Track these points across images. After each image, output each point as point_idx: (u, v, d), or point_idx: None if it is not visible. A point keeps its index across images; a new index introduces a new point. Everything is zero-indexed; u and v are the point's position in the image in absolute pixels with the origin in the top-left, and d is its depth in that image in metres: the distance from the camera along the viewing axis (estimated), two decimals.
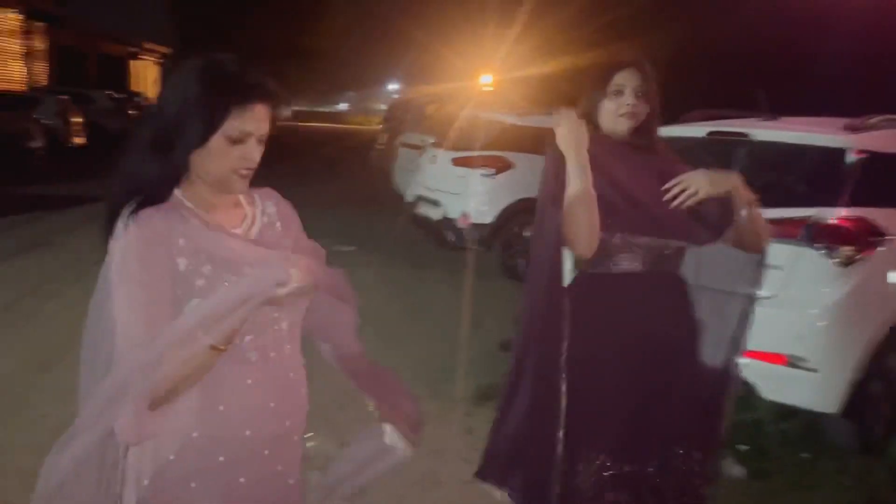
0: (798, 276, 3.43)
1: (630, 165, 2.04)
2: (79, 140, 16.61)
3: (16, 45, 22.07)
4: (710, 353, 2.13)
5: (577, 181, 1.93)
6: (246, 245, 1.43)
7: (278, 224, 1.55)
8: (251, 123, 1.36)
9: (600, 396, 2.04)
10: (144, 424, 1.27)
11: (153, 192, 1.38)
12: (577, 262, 2.08)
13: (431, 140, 8.08)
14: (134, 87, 29.43)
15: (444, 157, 7.29)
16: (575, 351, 2.06)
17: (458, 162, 7.09)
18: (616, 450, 2.03)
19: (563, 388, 1.98)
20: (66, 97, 17.11)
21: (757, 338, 3.44)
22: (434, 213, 7.39)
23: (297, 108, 57.94)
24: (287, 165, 16.65)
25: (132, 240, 1.32)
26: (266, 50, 47.28)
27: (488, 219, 6.98)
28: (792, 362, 3.37)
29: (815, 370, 3.35)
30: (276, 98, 1.42)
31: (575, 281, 2.10)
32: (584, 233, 1.92)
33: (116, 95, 20.83)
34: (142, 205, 1.35)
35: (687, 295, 2.13)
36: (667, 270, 2.08)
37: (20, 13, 21.90)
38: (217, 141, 1.35)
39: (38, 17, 22.77)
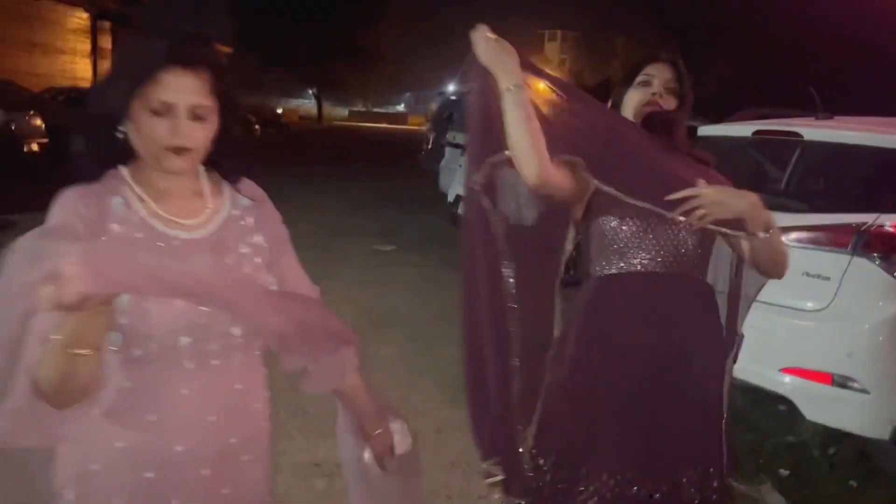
0: (849, 288, 3.15)
1: (639, 139, 1.89)
2: None
3: (84, 43, 22.81)
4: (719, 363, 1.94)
5: (508, 92, 1.75)
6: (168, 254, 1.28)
7: (250, 220, 1.41)
8: (171, 93, 1.22)
9: (606, 409, 1.86)
10: (24, 425, 1.14)
11: (86, 171, 1.28)
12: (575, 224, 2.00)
13: (464, 138, 7.90)
14: None
15: None
16: (580, 355, 1.90)
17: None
18: (623, 469, 1.83)
19: (547, 382, 1.92)
20: None
21: (801, 354, 3.21)
22: None
23: (355, 108, 58.76)
24: (335, 166, 16.94)
25: (57, 205, 1.24)
26: (326, 51, 48.20)
27: None
28: (839, 382, 3.10)
29: (865, 391, 3.07)
30: (200, 61, 1.26)
31: (588, 282, 1.96)
32: (528, 152, 1.75)
33: None
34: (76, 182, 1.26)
35: (710, 302, 1.94)
36: (689, 274, 1.89)
37: (89, 12, 22.64)
38: (139, 113, 1.23)
39: (106, 16, 23.50)
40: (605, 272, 1.91)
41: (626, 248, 1.87)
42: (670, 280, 1.87)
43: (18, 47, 18.95)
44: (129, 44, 1.29)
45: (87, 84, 21.00)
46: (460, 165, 7.88)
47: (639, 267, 1.86)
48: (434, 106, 16.17)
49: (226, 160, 1.40)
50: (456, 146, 8.83)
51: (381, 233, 8.66)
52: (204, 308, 1.25)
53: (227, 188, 1.43)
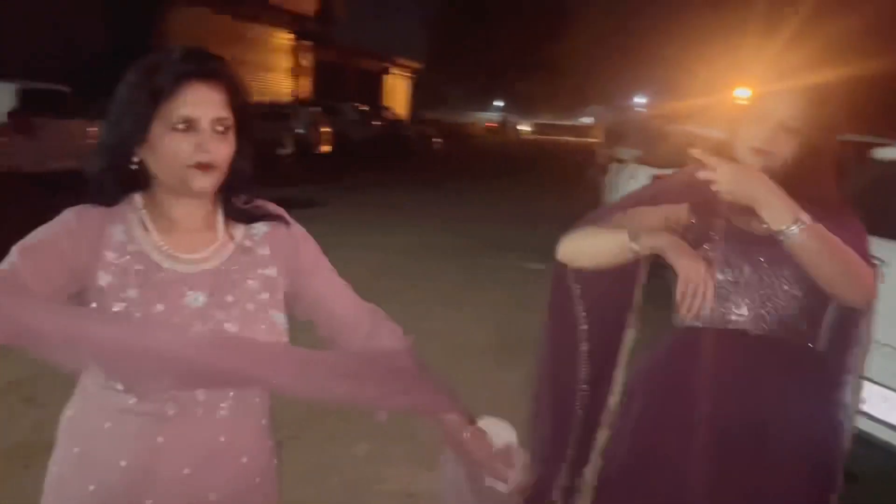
0: None
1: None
2: (325, 148, 18.12)
3: (286, 61, 24.75)
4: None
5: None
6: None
7: (264, 250, 1.32)
8: (193, 107, 1.18)
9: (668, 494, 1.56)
10: None
11: (101, 194, 1.24)
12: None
13: (637, 154, 7.51)
14: (387, 101, 31.57)
15: (643, 173, 6.71)
16: (641, 431, 1.64)
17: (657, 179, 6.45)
18: None
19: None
20: (317, 109, 18.81)
21: None
22: None
23: (539, 121, 58.82)
24: (504, 178, 16.94)
25: (56, 219, 1.22)
26: (513, 64, 48.85)
27: None
28: None
29: None
30: (217, 76, 1.21)
31: (671, 335, 1.68)
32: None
33: (362, 108, 22.44)
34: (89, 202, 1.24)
35: (815, 374, 1.57)
36: (789, 338, 1.54)
37: (292, 33, 24.54)
38: (160, 133, 1.19)
39: (307, 36, 25.34)
40: (683, 324, 1.61)
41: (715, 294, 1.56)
42: (764, 343, 1.53)
43: None
44: (142, 64, 1.23)
45: (287, 99, 22.75)
46: (631, 179, 7.48)
47: (726, 323, 1.55)
48: (608, 119, 15.69)
49: (239, 182, 1.31)
50: (620, 161, 8.43)
51: (533, 250, 8.43)
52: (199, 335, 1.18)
53: (241, 217, 1.33)
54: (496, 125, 49.23)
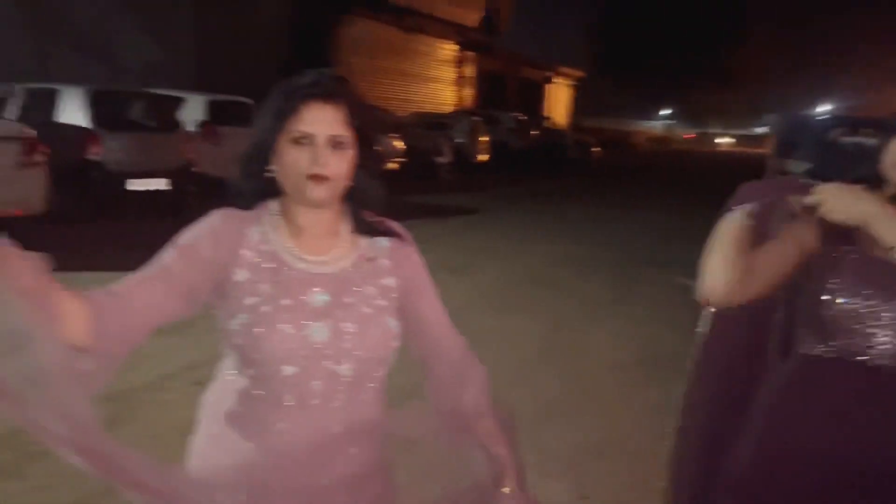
0: None
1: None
2: (482, 157, 18.40)
3: (450, 72, 25.40)
4: None
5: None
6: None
7: (385, 262, 1.44)
8: (309, 124, 1.31)
9: None
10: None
11: (241, 199, 1.41)
12: None
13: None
14: (548, 109, 31.51)
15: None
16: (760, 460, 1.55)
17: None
18: None
19: None
20: (477, 118, 19.15)
21: None
22: None
23: (708, 130, 56.17)
24: (660, 191, 16.32)
25: (204, 220, 1.37)
26: (684, 72, 46.90)
27: None
28: None
29: None
30: (336, 96, 1.34)
31: (790, 360, 1.58)
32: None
33: (521, 117, 22.54)
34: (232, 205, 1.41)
35: None
36: None
37: (457, 44, 25.15)
38: (283, 145, 1.33)
39: (471, 47, 25.86)
40: (813, 352, 1.53)
41: (847, 324, 1.47)
42: None
43: (394, 77, 21.81)
44: (280, 86, 1.39)
45: (449, 109, 23.35)
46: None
47: (863, 354, 1.45)
48: (776, 129, 14.70)
49: (363, 196, 1.43)
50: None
51: (690, 265, 8.10)
52: (314, 341, 1.30)
53: (365, 230, 1.46)
54: (662, 134, 47.58)
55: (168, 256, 1.33)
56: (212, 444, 1.39)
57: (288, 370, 1.29)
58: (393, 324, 1.39)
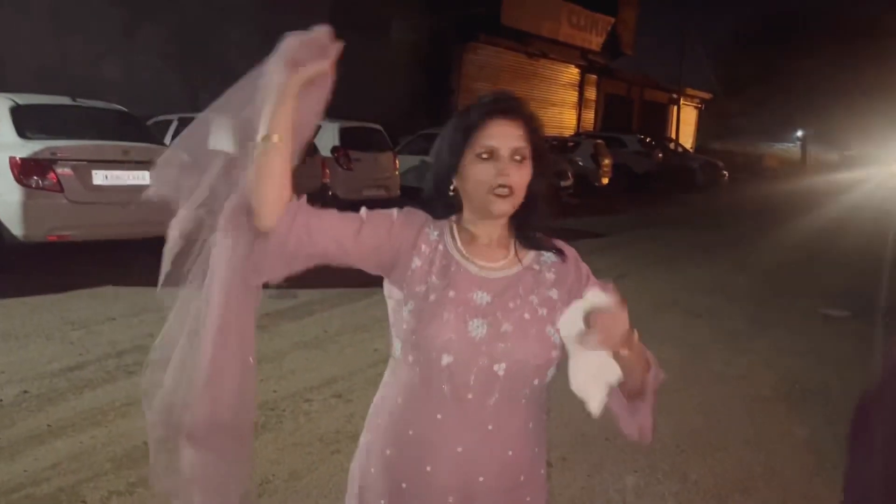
0: None
1: None
2: (605, 180, 18.12)
3: (572, 95, 25.30)
4: None
5: None
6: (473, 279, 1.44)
7: (550, 275, 1.48)
8: (493, 139, 1.40)
9: None
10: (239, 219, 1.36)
11: (432, 213, 1.51)
12: None
13: None
14: (673, 132, 30.69)
15: None
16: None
17: None
18: None
19: None
20: (601, 141, 18.92)
21: None
22: None
23: (849, 152, 52.66)
24: (797, 217, 15.44)
25: (397, 209, 1.49)
26: (819, 89, 44.34)
27: None
28: None
29: None
30: (516, 113, 1.42)
31: None
32: None
33: (647, 140, 22.05)
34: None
35: None
36: None
37: (579, 68, 25.04)
38: (468, 161, 1.42)
39: (593, 70, 25.67)
40: None
41: None
42: None
43: None
44: (461, 108, 1.49)
45: (571, 132, 23.21)
46: None
47: None
48: None
49: (533, 211, 1.48)
50: None
51: (830, 294, 7.63)
52: (473, 335, 1.36)
53: (532, 244, 1.51)
54: (796, 158, 45.09)
55: (362, 212, 1.45)
56: (378, 435, 1.47)
57: (446, 359, 1.36)
58: (552, 333, 1.41)
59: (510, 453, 1.42)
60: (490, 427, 1.39)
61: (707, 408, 4.36)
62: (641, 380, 1.40)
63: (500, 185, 1.38)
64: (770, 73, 41.81)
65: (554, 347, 1.40)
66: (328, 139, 10.97)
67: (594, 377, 1.31)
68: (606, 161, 18.27)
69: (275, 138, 1.32)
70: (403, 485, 1.41)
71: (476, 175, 1.40)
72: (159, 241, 1.43)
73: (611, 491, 3.31)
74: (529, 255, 1.48)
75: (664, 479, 3.44)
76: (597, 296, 1.30)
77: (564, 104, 24.98)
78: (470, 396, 1.38)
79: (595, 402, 1.31)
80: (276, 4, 15.09)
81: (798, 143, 49.58)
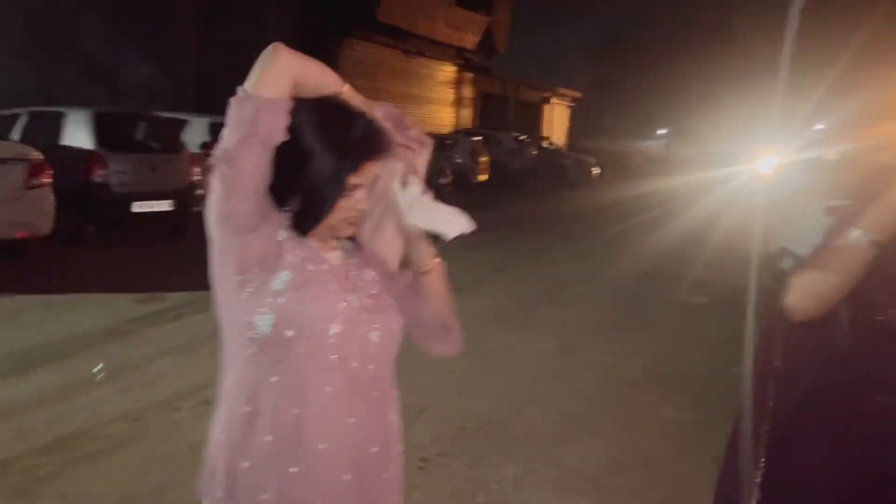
0: None
1: None
2: (482, 177, 18.44)
3: (449, 93, 25.55)
4: None
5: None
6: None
7: (358, 257, 1.49)
8: (361, 178, 1.36)
9: None
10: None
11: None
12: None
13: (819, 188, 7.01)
14: (546, 130, 31.64)
15: (815, 205, 6.26)
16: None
17: (830, 212, 5.99)
18: None
19: None
20: (478, 139, 19.23)
21: None
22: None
23: (704, 147, 56.36)
24: (664, 210, 16.35)
25: None
26: (674, 90, 47.26)
27: None
28: None
29: None
30: (386, 152, 1.39)
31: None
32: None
33: (521, 137, 22.64)
34: None
35: None
36: None
37: (456, 66, 25.33)
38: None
39: (469, 69, 26.05)
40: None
41: None
42: None
43: (394, 98, 21.89)
44: (331, 140, 1.38)
45: (448, 130, 23.44)
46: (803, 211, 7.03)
47: None
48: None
49: None
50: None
51: (695, 283, 8.10)
52: (354, 305, 1.34)
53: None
54: (659, 154, 47.75)
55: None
56: (242, 427, 1.33)
57: (335, 328, 1.32)
58: (393, 302, 1.46)
59: (392, 419, 1.43)
60: (374, 395, 1.38)
61: (582, 396, 4.49)
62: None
63: (355, 216, 1.38)
64: (634, 74, 44.05)
65: (399, 314, 1.45)
66: (197, 135, 10.51)
67: (432, 212, 1.38)
68: (483, 158, 18.58)
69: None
70: (293, 469, 1.31)
71: (338, 209, 1.36)
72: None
73: (491, 483, 3.33)
74: (340, 242, 1.48)
75: (542, 468, 3.50)
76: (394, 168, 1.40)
77: (442, 102, 25.19)
78: (355, 365, 1.35)
79: (444, 228, 1.39)
80: None
81: (662, 140, 52.52)
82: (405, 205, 1.39)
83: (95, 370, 4.42)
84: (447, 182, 15.92)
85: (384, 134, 1.38)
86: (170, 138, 9.74)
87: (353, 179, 1.34)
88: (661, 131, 54.57)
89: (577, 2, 42.25)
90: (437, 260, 1.49)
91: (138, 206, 8.81)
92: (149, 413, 3.86)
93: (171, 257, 7.75)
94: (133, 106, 12.59)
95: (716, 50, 44.58)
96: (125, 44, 14.87)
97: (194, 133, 10.45)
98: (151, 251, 8.51)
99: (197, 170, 9.64)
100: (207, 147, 10.44)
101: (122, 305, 5.87)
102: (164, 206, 9.06)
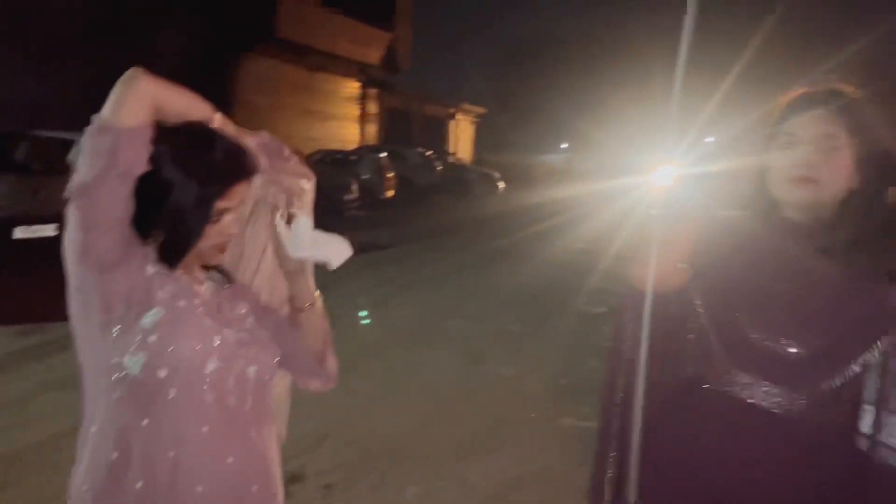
0: None
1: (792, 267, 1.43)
2: (388, 193, 18.42)
3: (354, 109, 25.45)
4: None
5: None
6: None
7: (227, 289, 1.45)
8: (228, 202, 1.33)
9: None
10: None
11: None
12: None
13: None
14: (452, 145, 31.99)
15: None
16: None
17: None
18: None
19: None
20: (383, 154, 19.22)
21: None
22: None
23: (603, 160, 58.45)
24: (565, 221, 16.81)
25: None
26: (572, 105, 48.90)
27: None
28: None
29: None
30: (252, 174, 1.36)
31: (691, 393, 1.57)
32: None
33: (426, 153, 22.80)
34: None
35: (857, 464, 1.40)
36: (828, 420, 1.39)
37: (359, 82, 25.27)
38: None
39: (373, 84, 26.04)
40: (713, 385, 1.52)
41: (740, 366, 1.46)
42: (796, 424, 1.39)
43: (298, 114, 21.64)
44: (197, 153, 1.35)
45: (354, 146, 23.33)
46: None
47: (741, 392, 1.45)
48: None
49: None
50: None
51: (595, 292, 8.33)
52: (231, 340, 1.31)
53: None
54: (560, 167, 49.11)
55: None
56: (113, 475, 1.26)
57: (211, 365, 1.28)
58: (268, 335, 1.44)
59: (270, 457, 1.39)
60: (252, 433, 1.34)
61: (484, 411, 4.51)
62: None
63: (224, 242, 1.36)
64: (535, 89, 45.24)
65: (275, 346, 1.43)
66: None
67: (315, 242, 1.39)
68: (390, 174, 18.58)
69: None
70: None
71: (206, 235, 1.33)
72: None
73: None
74: (209, 274, 1.45)
75: (444, 487, 3.49)
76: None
77: (346, 118, 25.05)
78: (233, 402, 1.31)
79: (328, 257, 1.40)
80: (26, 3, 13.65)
81: (564, 153, 54.07)
82: (287, 238, 1.38)
83: None
84: (353, 199, 15.81)
85: (248, 155, 1.34)
86: (55, 159, 9.24)
87: (220, 204, 1.30)
88: (563, 145, 56.29)
89: (478, 19, 43.12)
90: (317, 294, 1.48)
91: (20, 232, 8.31)
92: (28, 455, 3.63)
93: (55, 286, 7.26)
94: (17, 125, 11.91)
95: (614, 64, 46.43)
96: (8, 59, 14.07)
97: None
98: (33, 279, 8.02)
99: None
100: None
101: (1, 339, 5.50)
102: (48, 230, 8.58)
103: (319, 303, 1.49)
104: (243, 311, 1.42)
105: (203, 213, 1.29)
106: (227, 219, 1.33)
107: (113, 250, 1.22)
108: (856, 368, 1.35)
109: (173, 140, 1.28)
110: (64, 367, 4.97)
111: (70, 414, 4.14)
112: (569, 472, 3.73)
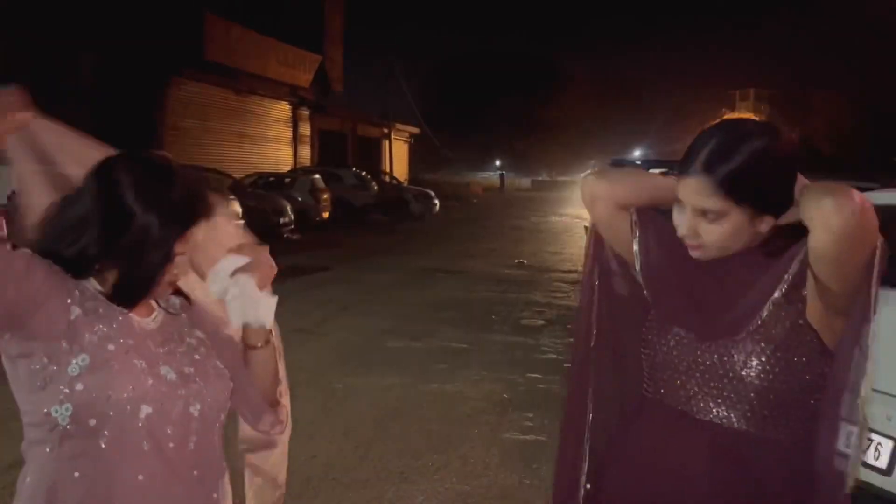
0: None
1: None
2: (325, 214, 18.24)
3: (286, 131, 25.19)
4: None
5: None
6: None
7: (184, 315, 1.42)
8: (186, 246, 1.31)
9: None
10: None
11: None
12: None
13: None
14: (386, 165, 31.98)
15: None
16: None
17: None
18: None
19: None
20: (317, 176, 19.04)
21: None
22: None
23: (538, 178, 59.56)
24: (501, 238, 17.01)
25: None
26: (509, 124, 49.76)
27: None
28: None
29: None
30: (208, 214, 1.34)
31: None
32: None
33: (362, 173, 22.71)
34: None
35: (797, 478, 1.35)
36: (769, 435, 1.36)
37: (290, 104, 25.05)
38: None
39: (305, 106, 25.85)
40: (644, 393, 1.52)
41: (664, 367, 1.45)
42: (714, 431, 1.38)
43: (230, 138, 21.29)
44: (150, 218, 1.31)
45: (287, 168, 23.06)
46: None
47: (675, 401, 1.44)
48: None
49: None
50: None
51: (534, 306, 8.43)
52: (168, 380, 1.25)
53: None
54: (496, 184, 49.75)
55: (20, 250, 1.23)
56: None
57: (145, 410, 1.22)
58: (222, 366, 1.39)
59: (214, 496, 1.35)
60: (195, 473, 1.30)
61: (428, 429, 4.48)
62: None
63: (176, 278, 1.35)
64: (469, 109, 45.80)
65: (229, 378, 1.38)
66: (3, 186, 9.62)
67: (255, 305, 1.40)
68: (325, 196, 18.41)
69: None
70: None
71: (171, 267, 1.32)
72: None
73: None
74: (162, 302, 1.41)
75: None
76: (233, 259, 1.39)
77: (279, 140, 24.75)
78: (171, 446, 1.25)
79: (264, 317, 1.41)
80: None
81: (497, 172, 54.82)
82: (229, 299, 1.39)
83: None
84: (288, 221, 15.58)
85: (204, 195, 1.32)
86: None
87: (179, 248, 1.28)
88: (497, 162, 57.10)
89: (407, 41, 43.46)
90: (272, 332, 1.45)
91: None
92: None
93: None
94: None
95: (546, 84, 47.45)
96: None
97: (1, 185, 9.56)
98: None
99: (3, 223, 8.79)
100: (14, 197, 9.60)
101: None
102: None
103: (275, 341, 1.46)
104: (196, 339, 1.38)
105: (164, 255, 1.27)
106: (180, 259, 1.31)
107: (13, 306, 1.16)
108: (763, 313, 1.32)
109: (133, 170, 1.26)
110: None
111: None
112: (513, 485, 3.74)
